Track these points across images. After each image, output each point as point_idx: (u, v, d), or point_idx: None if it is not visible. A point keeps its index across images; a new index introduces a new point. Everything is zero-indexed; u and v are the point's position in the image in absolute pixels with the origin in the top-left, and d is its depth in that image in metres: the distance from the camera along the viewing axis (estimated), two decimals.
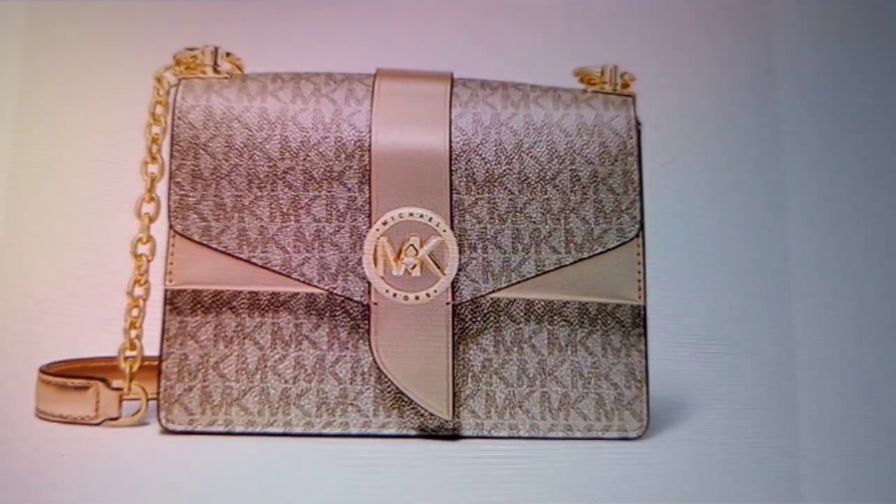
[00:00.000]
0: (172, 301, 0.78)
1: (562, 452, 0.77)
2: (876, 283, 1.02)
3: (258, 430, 0.78)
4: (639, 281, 0.80)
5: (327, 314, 0.79)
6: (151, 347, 0.79)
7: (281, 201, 0.78)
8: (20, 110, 1.03)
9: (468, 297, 0.78)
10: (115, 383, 0.79)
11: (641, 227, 0.80)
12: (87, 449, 0.75)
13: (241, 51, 0.84)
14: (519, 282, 0.79)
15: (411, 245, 0.77)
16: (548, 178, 0.79)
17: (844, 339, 0.97)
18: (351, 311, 0.79)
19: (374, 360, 0.77)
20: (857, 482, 0.75)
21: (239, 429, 0.78)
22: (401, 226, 0.77)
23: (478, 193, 0.79)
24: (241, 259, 0.78)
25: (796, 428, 0.82)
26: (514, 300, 0.79)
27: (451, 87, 0.81)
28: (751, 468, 0.75)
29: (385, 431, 0.78)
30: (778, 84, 1.08)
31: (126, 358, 0.80)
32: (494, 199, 0.79)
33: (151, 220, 0.81)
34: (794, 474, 0.75)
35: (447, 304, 0.78)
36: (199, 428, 0.77)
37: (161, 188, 0.80)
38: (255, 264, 0.78)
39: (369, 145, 0.78)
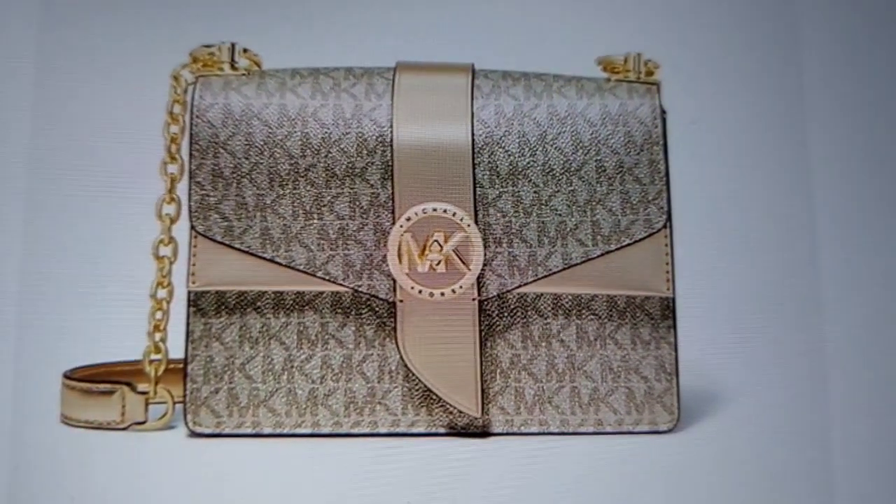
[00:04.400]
0: (196, 303, 0.78)
1: (593, 447, 0.76)
2: None
3: (286, 431, 0.77)
4: (667, 272, 0.79)
5: (353, 312, 0.78)
6: (176, 350, 0.79)
7: (303, 199, 0.77)
8: (36, 112, 1.02)
9: (494, 293, 0.77)
10: (141, 387, 0.79)
11: (669, 218, 0.79)
12: (113, 454, 0.74)
13: (258, 46, 0.82)
14: (546, 276, 0.78)
15: (436, 241, 0.76)
16: (573, 169, 0.78)
17: (876, 329, 0.95)
18: (377, 309, 0.78)
19: (401, 357, 0.76)
20: (891, 477, 0.74)
21: (267, 430, 0.77)
22: (425, 221, 0.76)
23: (502, 187, 0.78)
24: (264, 259, 0.77)
25: (828, 419, 0.81)
26: (542, 295, 0.78)
27: (473, 78, 0.80)
28: (782, 460, 0.75)
29: (414, 430, 0.77)
30: (805, 79, 1.07)
31: (151, 361, 0.79)
32: (519, 192, 0.78)
33: (173, 221, 0.80)
34: (825, 465, 0.74)
35: (473, 299, 0.77)
36: (227, 430, 0.77)
37: (181, 188, 0.79)
38: (278, 264, 0.77)
39: (391, 140, 0.77)
